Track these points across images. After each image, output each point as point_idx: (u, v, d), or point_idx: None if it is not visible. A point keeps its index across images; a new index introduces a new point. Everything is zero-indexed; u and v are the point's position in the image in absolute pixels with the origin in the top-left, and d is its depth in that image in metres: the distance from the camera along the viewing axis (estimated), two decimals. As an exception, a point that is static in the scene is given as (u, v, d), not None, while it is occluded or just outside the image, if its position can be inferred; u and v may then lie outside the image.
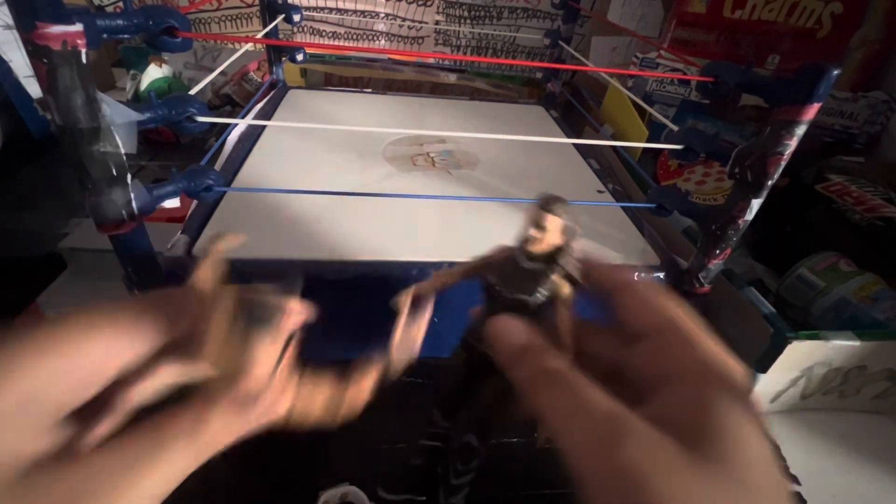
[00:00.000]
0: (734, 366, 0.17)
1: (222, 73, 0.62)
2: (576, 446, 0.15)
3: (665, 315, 0.18)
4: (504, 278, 0.21)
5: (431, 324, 0.37)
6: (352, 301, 0.35)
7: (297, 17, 0.60)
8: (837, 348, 0.35)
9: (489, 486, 0.32)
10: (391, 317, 0.36)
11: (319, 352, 0.37)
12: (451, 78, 0.82)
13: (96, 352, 0.16)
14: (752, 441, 0.14)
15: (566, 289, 0.20)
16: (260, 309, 0.17)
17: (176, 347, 0.17)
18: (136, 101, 0.73)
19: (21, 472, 0.13)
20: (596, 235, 0.40)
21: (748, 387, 0.16)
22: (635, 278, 0.20)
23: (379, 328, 0.37)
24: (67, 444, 0.15)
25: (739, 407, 0.15)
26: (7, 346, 0.14)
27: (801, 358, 0.35)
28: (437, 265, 0.34)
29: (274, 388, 0.17)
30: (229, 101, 0.78)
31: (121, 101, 0.25)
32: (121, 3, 0.82)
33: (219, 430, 0.16)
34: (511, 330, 0.20)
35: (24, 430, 0.14)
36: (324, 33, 0.84)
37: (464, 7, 0.81)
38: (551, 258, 0.20)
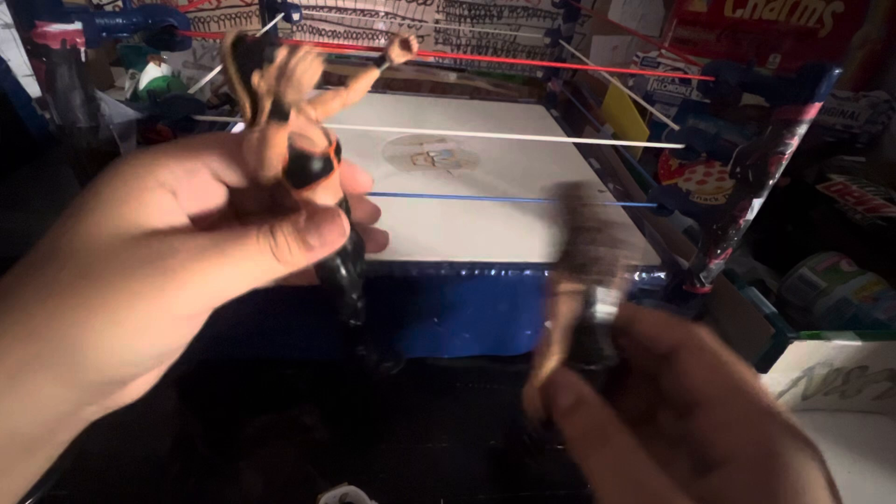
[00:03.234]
0: (810, 446, 0.16)
1: (221, 71, 0.62)
2: None
3: (731, 386, 0.17)
4: (571, 352, 0.20)
5: (431, 325, 0.37)
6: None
7: (296, 16, 0.60)
8: (839, 348, 0.35)
9: (487, 487, 0.31)
10: (390, 316, 0.36)
11: (317, 352, 0.37)
12: (451, 77, 0.82)
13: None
14: None
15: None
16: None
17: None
18: (135, 100, 0.73)
19: (145, 232, 0.16)
20: (596, 235, 0.40)
21: (826, 470, 0.15)
22: (695, 333, 0.19)
23: (377, 327, 0.37)
24: (183, 227, 0.18)
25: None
26: (155, 149, 0.18)
27: (802, 358, 0.35)
28: (437, 265, 0.34)
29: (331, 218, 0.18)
30: (228, 100, 0.77)
31: (119, 100, 0.25)
32: (120, 2, 0.82)
33: (282, 255, 0.18)
34: (565, 386, 0.19)
35: (158, 204, 0.17)
36: (323, 32, 0.84)
37: (464, 6, 0.81)
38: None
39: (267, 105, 0.16)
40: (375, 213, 0.24)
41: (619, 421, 0.18)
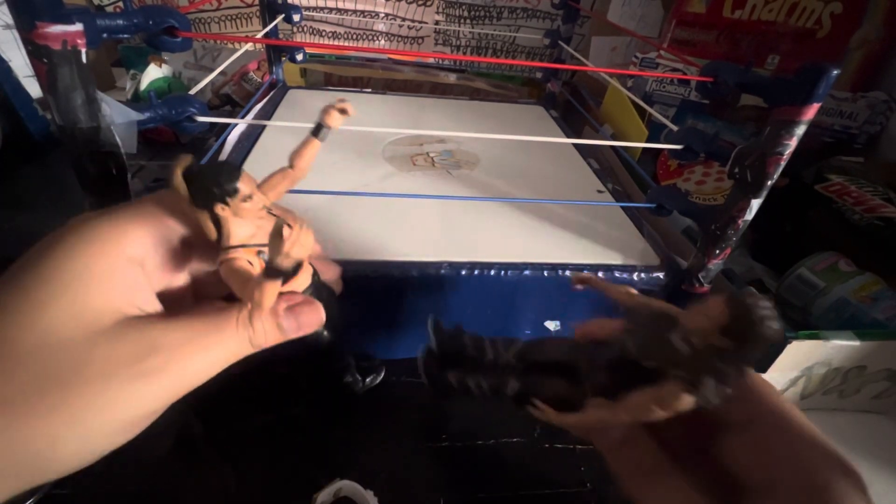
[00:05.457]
0: (848, 468, 0.15)
1: (222, 72, 0.62)
2: None
3: (764, 406, 0.17)
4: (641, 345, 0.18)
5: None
6: (351, 300, 0.35)
7: (296, 17, 0.60)
8: (837, 348, 0.35)
9: (487, 486, 0.32)
10: (390, 316, 0.36)
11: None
12: (451, 78, 0.82)
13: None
14: None
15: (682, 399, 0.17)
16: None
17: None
18: (136, 100, 0.73)
19: (118, 323, 0.15)
20: (595, 235, 0.40)
21: (863, 489, 0.15)
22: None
23: (378, 327, 0.37)
24: (155, 313, 0.17)
25: None
26: (113, 215, 0.17)
27: (800, 358, 0.35)
28: (437, 265, 0.34)
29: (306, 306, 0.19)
30: (229, 100, 0.78)
31: (120, 101, 0.25)
32: (120, 3, 0.82)
33: (258, 334, 0.18)
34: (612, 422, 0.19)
35: (129, 285, 0.16)
36: (324, 33, 0.84)
37: (463, 7, 0.81)
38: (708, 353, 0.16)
39: (232, 230, 0.17)
40: (336, 269, 0.26)
41: (664, 456, 0.17)
